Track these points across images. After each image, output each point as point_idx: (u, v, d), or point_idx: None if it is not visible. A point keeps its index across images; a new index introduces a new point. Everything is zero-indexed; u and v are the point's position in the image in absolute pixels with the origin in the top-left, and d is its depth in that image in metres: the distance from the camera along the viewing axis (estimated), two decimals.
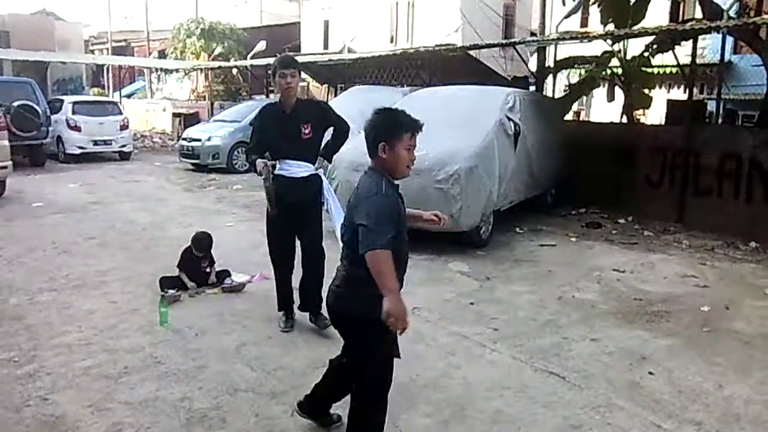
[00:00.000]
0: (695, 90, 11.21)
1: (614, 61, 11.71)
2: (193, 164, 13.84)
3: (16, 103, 12.85)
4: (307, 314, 4.66)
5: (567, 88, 14.03)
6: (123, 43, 36.46)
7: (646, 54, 11.07)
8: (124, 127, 15.45)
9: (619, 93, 12.42)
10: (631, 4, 10.55)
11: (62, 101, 15.32)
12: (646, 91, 12.19)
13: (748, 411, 3.52)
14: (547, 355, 4.22)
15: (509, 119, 7.45)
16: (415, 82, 13.75)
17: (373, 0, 24.23)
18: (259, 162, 4.22)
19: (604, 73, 12.26)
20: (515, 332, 4.62)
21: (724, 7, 10.50)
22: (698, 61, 9.55)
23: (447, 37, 19.40)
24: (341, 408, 3.18)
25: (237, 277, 5.58)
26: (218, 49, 28.07)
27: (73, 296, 5.21)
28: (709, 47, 14.99)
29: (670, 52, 10.44)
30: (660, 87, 14.98)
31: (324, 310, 4.05)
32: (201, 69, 24.63)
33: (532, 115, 8.12)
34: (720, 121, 13.16)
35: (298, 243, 4.60)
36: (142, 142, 19.96)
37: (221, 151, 13.53)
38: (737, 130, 10.41)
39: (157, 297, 5.08)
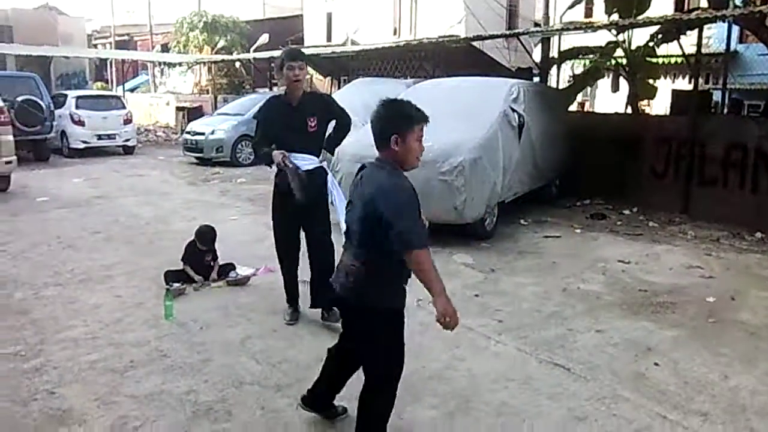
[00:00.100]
0: (700, 80, 11.16)
1: (619, 52, 11.63)
2: (196, 158, 13.84)
3: (19, 98, 12.87)
4: (306, 308, 4.66)
5: (571, 78, 13.96)
6: (126, 37, 36.39)
7: (650, 44, 11.00)
8: (127, 121, 15.46)
9: (623, 83, 12.36)
10: None
11: (66, 96, 15.33)
12: (650, 81, 12.11)
13: (754, 402, 3.51)
14: (551, 346, 4.22)
15: (513, 110, 7.42)
16: (419, 74, 13.72)
17: None
18: (277, 153, 4.17)
19: (608, 63, 12.19)
20: (520, 324, 4.62)
21: None
22: (704, 50, 9.49)
23: (450, 29, 19.32)
24: (345, 399, 3.18)
25: (242, 270, 5.59)
26: (221, 43, 28.00)
27: (79, 290, 5.23)
28: (715, 36, 14.90)
29: (675, 41, 10.36)
30: (665, 77, 14.89)
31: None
32: (204, 62, 24.59)
33: (536, 106, 8.09)
34: (725, 111, 13.08)
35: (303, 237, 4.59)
36: (145, 136, 19.98)
37: (225, 145, 13.52)
38: (743, 120, 10.36)
39: (161, 291, 5.09)
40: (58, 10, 31.86)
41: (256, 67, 22.87)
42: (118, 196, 9.67)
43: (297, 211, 4.37)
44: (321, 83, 20.00)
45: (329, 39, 25.91)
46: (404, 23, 23.97)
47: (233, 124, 13.74)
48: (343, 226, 2.89)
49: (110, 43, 34.66)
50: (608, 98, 15.19)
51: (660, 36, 10.74)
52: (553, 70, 12.84)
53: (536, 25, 19.13)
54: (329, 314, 4.49)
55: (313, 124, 4.34)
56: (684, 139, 8.60)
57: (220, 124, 13.83)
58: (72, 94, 15.58)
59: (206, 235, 5.52)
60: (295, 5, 29.83)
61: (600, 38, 12.01)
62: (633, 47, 11.44)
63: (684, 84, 15.29)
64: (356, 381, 2.96)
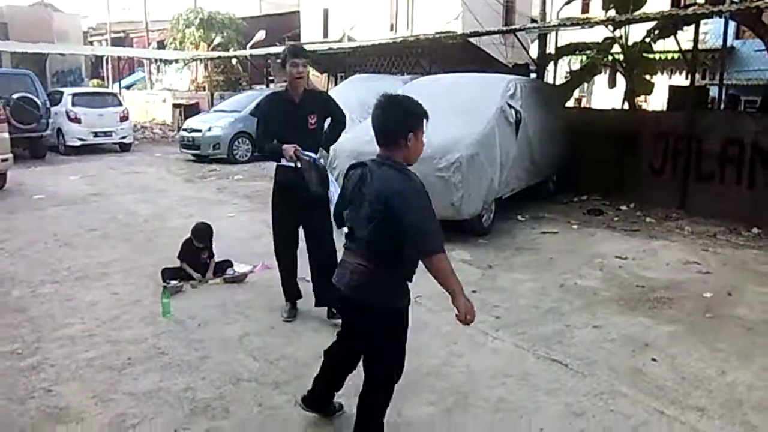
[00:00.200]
0: (697, 76, 11.15)
1: (616, 47, 11.65)
2: (193, 155, 13.82)
3: (15, 96, 12.82)
4: (308, 305, 4.65)
5: (568, 74, 13.96)
6: (122, 34, 36.30)
7: (647, 40, 10.99)
8: (124, 118, 15.42)
9: (620, 79, 12.37)
10: None
11: (62, 93, 15.29)
12: (647, 77, 12.12)
13: (751, 397, 3.52)
14: (549, 342, 4.23)
15: (510, 106, 7.42)
16: (416, 70, 13.72)
17: None
18: (288, 147, 4.11)
19: (605, 59, 12.20)
20: (517, 320, 4.63)
21: None
22: (700, 46, 9.47)
23: (447, 25, 19.31)
24: (344, 397, 3.18)
25: (239, 268, 5.58)
26: (217, 39, 27.95)
27: (76, 288, 5.22)
28: (711, 32, 14.90)
29: (672, 37, 10.37)
30: (662, 73, 14.88)
31: None
32: (200, 59, 24.53)
33: (533, 102, 8.09)
34: (722, 106, 13.10)
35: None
36: (142, 133, 19.93)
37: (222, 142, 13.50)
38: (740, 115, 10.35)
39: (159, 288, 5.07)
40: (54, 7, 31.69)
41: (253, 64, 22.84)
42: (115, 194, 9.65)
43: (298, 209, 4.36)
44: (318, 80, 19.97)
45: (326, 35, 25.87)
46: (401, 19, 23.94)
47: (230, 121, 13.73)
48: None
49: (106, 40, 34.56)
50: (605, 94, 15.22)
51: (657, 32, 10.74)
52: (550, 66, 12.83)
53: (533, 21, 19.11)
54: (334, 312, 4.48)
55: (313, 122, 4.34)
56: (681, 134, 8.61)
57: (216, 121, 13.82)
58: (68, 91, 15.53)
59: (202, 233, 5.51)
60: (292, 1, 29.77)
61: (597, 34, 12.02)
62: (630, 43, 11.44)
63: (681, 80, 15.28)
64: (355, 377, 2.97)
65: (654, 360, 3.97)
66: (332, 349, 3.12)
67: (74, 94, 15.12)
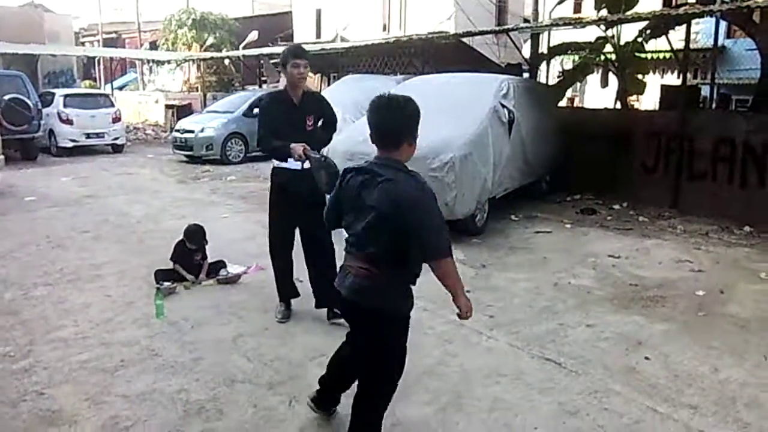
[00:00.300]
0: (689, 75, 11.22)
1: (608, 47, 11.69)
2: (186, 156, 13.78)
3: (6, 97, 12.75)
4: (302, 305, 4.65)
5: (561, 74, 14.00)
6: (114, 35, 36.17)
7: (639, 39, 11.05)
8: (116, 119, 15.36)
9: (612, 79, 12.42)
10: None
11: (53, 94, 15.21)
12: (639, 76, 12.18)
13: (744, 394, 3.54)
14: (543, 341, 4.24)
15: (503, 106, 7.43)
16: (409, 71, 13.73)
17: None
18: (297, 146, 4.04)
19: (597, 59, 12.24)
20: (511, 319, 4.63)
21: None
22: (692, 45, 9.53)
23: (440, 25, 19.34)
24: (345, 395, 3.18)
25: (232, 269, 5.57)
26: (210, 40, 27.88)
27: (68, 290, 5.19)
28: (703, 32, 14.99)
29: (664, 37, 10.42)
30: (654, 72, 14.98)
31: None
32: (193, 60, 24.47)
33: (526, 101, 8.10)
34: (714, 105, 13.17)
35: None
36: (134, 134, 19.86)
37: (215, 143, 13.46)
38: (731, 114, 10.42)
39: (152, 290, 5.07)
40: (44, 8, 31.50)
41: (246, 65, 22.79)
42: (108, 195, 9.61)
43: (296, 210, 4.35)
44: (311, 80, 19.95)
45: (318, 36, 25.85)
46: (393, 20, 23.95)
47: (223, 122, 13.70)
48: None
49: (98, 41, 34.44)
50: (598, 94, 15.27)
51: (648, 31, 10.80)
52: (543, 65, 12.88)
53: (526, 21, 19.18)
54: (336, 313, 4.48)
55: (310, 123, 4.34)
56: (673, 134, 8.65)
57: (209, 122, 13.78)
58: (59, 92, 15.45)
59: (195, 234, 5.49)
60: (284, 2, 29.74)
61: (589, 34, 12.06)
62: (622, 43, 11.49)
63: (673, 79, 15.37)
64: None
65: (647, 358, 3.99)
66: (341, 350, 3.11)
67: (66, 96, 15.05)
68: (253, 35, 25.17)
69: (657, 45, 12.00)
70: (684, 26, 9.04)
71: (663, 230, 7.51)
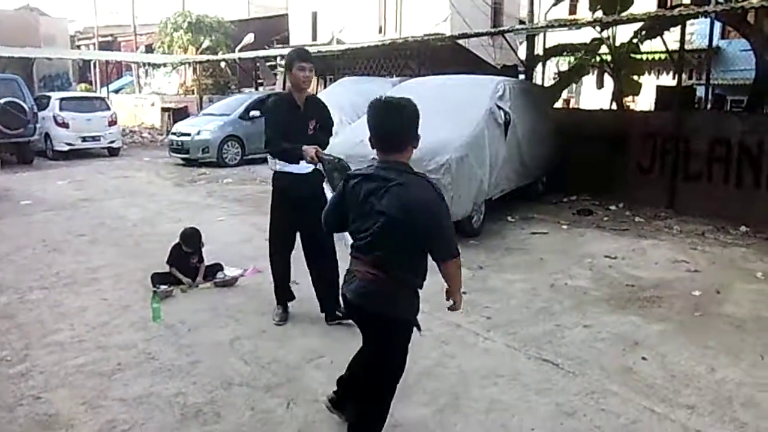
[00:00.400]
0: (684, 76, 11.25)
1: (603, 48, 11.72)
2: (182, 159, 13.75)
3: (2, 101, 12.73)
4: (299, 308, 4.66)
5: (556, 75, 14.03)
6: (109, 38, 36.06)
7: (634, 40, 11.08)
8: (112, 122, 15.32)
9: (608, 80, 12.45)
10: None
11: (49, 98, 15.17)
12: (635, 77, 12.22)
13: (740, 393, 3.55)
14: (540, 342, 4.24)
15: (499, 108, 7.44)
16: (405, 73, 13.73)
17: None
18: (309, 148, 4.03)
19: (593, 60, 12.27)
20: (508, 320, 4.64)
21: None
22: (687, 46, 9.56)
23: (436, 27, 19.33)
24: None
25: (229, 271, 5.57)
26: (206, 43, 27.85)
27: (65, 294, 5.18)
28: (698, 33, 15.03)
29: (659, 38, 10.45)
30: (649, 73, 15.01)
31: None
32: (189, 63, 24.44)
33: (521, 103, 8.11)
34: (709, 106, 13.21)
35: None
36: (131, 137, 19.82)
37: (211, 145, 13.44)
38: (726, 115, 10.46)
39: (149, 293, 5.06)
40: (40, 11, 31.52)
41: (242, 67, 22.80)
42: (104, 199, 9.59)
43: (297, 214, 4.35)
44: None
45: (315, 38, 25.86)
46: (389, 22, 23.97)
47: (219, 125, 13.67)
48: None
49: (94, 44, 34.32)
50: (593, 95, 15.30)
51: (644, 32, 10.83)
52: (539, 67, 12.90)
53: (521, 22, 19.20)
54: (336, 315, 4.48)
55: (312, 127, 4.33)
56: (669, 134, 8.67)
57: (205, 125, 13.76)
58: (55, 95, 15.42)
59: (191, 238, 5.48)
60: (281, 5, 29.74)
61: (584, 35, 12.08)
62: (617, 44, 11.53)
63: (668, 80, 15.39)
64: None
65: (644, 359, 3.99)
66: (358, 353, 3.09)
67: (62, 99, 15.00)
68: (249, 38, 25.17)
69: (652, 46, 12.04)
70: (679, 27, 9.07)
71: (659, 231, 7.52)
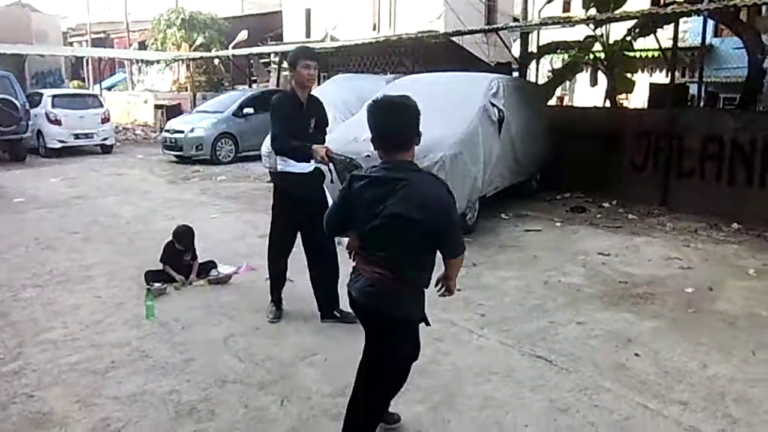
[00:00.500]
0: (677, 73, 11.29)
1: (597, 46, 11.75)
2: (176, 156, 13.72)
3: None
4: (293, 305, 4.65)
5: (550, 73, 14.06)
6: (102, 35, 35.95)
7: (628, 38, 11.12)
8: (105, 119, 15.25)
9: (602, 77, 12.49)
10: None
11: (41, 95, 15.08)
12: (628, 75, 12.26)
13: (732, 389, 3.57)
14: (534, 339, 4.25)
15: (493, 105, 7.45)
16: (399, 70, 13.71)
17: None
18: (319, 148, 4.02)
19: (586, 57, 12.30)
20: (502, 317, 4.65)
21: None
22: (680, 44, 9.61)
23: (430, 24, 19.36)
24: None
25: (223, 269, 5.55)
26: (199, 40, 27.78)
27: (58, 292, 5.16)
28: (691, 31, 15.12)
29: (652, 35, 10.49)
30: (642, 71, 15.07)
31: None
32: (182, 60, 24.37)
33: (515, 100, 8.13)
34: (702, 104, 13.27)
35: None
36: (124, 134, 19.75)
37: (204, 143, 13.41)
38: (719, 112, 10.50)
39: (142, 291, 5.04)
40: (32, 7, 31.26)
41: (235, 64, 22.72)
42: (97, 196, 9.55)
43: (299, 213, 4.34)
44: None
45: (308, 35, 25.82)
46: (383, 19, 23.97)
47: (213, 122, 13.64)
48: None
49: (86, 41, 34.19)
50: (587, 92, 15.33)
51: (637, 30, 10.86)
52: (532, 64, 12.92)
53: (515, 20, 19.23)
54: (333, 315, 4.49)
55: (312, 126, 4.33)
56: (662, 132, 8.70)
57: (199, 122, 13.72)
58: (48, 92, 15.33)
59: (184, 236, 5.47)
60: (274, 1, 29.71)
61: (578, 33, 12.12)
62: (611, 41, 11.56)
63: (661, 78, 15.46)
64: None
65: (637, 355, 4.01)
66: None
67: (54, 96, 14.93)
68: (243, 35, 25.10)
69: (645, 44, 12.08)
70: (672, 25, 9.11)
71: (652, 228, 7.55)
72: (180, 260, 5.39)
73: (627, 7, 10.80)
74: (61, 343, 4.15)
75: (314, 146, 4.04)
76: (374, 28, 23.86)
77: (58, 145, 14.37)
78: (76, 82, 28.67)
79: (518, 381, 3.66)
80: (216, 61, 25.47)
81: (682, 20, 9.64)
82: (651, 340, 4.24)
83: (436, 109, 6.95)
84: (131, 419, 3.22)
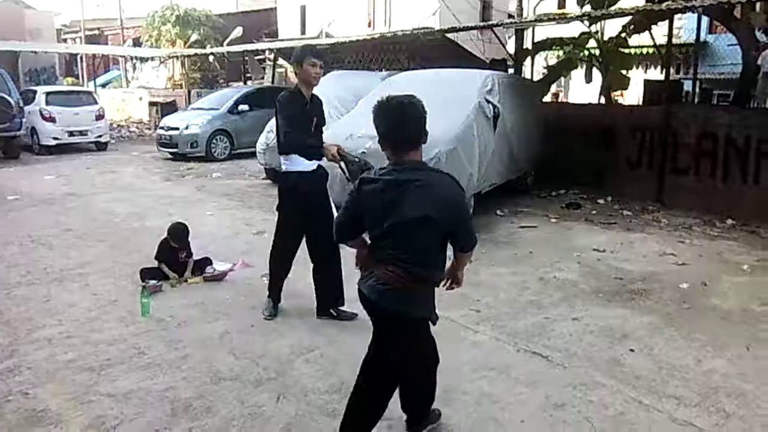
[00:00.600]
0: (672, 70, 11.30)
1: (592, 42, 11.77)
2: (171, 153, 13.66)
3: None
4: (289, 302, 4.65)
5: (545, 69, 14.07)
6: (96, 32, 35.78)
7: (623, 35, 11.14)
8: (99, 116, 15.17)
9: (597, 74, 12.50)
10: None
11: (35, 92, 15.00)
12: (623, 71, 12.27)
13: (726, 384, 3.59)
14: (529, 335, 4.26)
15: (488, 102, 7.45)
16: (394, 67, 13.70)
17: None
18: (331, 146, 4.04)
19: (581, 54, 12.31)
20: (498, 313, 4.66)
21: None
22: (674, 41, 9.62)
23: (425, 21, 19.35)
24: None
25: (218, 266, 5.55)
26: (194, 36, 27.71)
27: (53, 289, 5.14)
28: (685, 27, 15.12)
29: (647, 32, 10.50)
30: (637, 67, 15.08)
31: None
32: (177, 56, 24.28)
33: (510, 97, 8.13)
34: (696, 100, 13.29)
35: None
36: (118, 131, 19.66)
37: (199, 140, 13.35)
38: (713, 109, 10.53)
39: (137, 288, 5.03)
40: (25, 4, 31.17)
41: (230, 61, 22.69)
42: (92, 193, 9.52)
43: (306, 213, 4.33)
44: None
45: (303, 32, 25.80)
46: (378, 16, 23.95)
47: (208, 119, 13.59)
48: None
49: (80, 38, 34.05)
50: (582, 89, 15.33)
51: (632, 27, 10.89)
52: (527, 61, 12.92)
53: (510, 17, 19.22)
54: (330, 314, 4.49)
55: (314, 124, 4.33)
56: (657, 128, 8.72)
57: (194, 119, 13.67)
58: (41, 89, 15.25)
59: (178, 233, 5.46)
60: None
61: (573, 29, 12.12)
62: (606, 38, 11.57)
63: (656, 74, 15.48)
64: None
65: (632, 350, 4.03)
66: (368, 363, 2.93)
67: (48, 93, 14.85)
68: (238, 31, 25.05)
69: (640, 40, 12.11)
70: (666, 22, 9.12)
71: (647, 224, 7.58)
72: (175, 257, 5.38)
73: (622, 4, 10.82)
74: (56, 340, 4.14)
75: (325, 144, 4.06)
76: (369, 25, 23.85)
77: (53, 143, 14.29)
78: (70, 79, 28.58)
79: (514, 377, 3.67)
80: (211, 58, 25.40)
81: (676, 17, 9.64)
82: (646, 336, 4.26)
83: (432, 105, 6.85)
84: (127, 416, 3.22)
